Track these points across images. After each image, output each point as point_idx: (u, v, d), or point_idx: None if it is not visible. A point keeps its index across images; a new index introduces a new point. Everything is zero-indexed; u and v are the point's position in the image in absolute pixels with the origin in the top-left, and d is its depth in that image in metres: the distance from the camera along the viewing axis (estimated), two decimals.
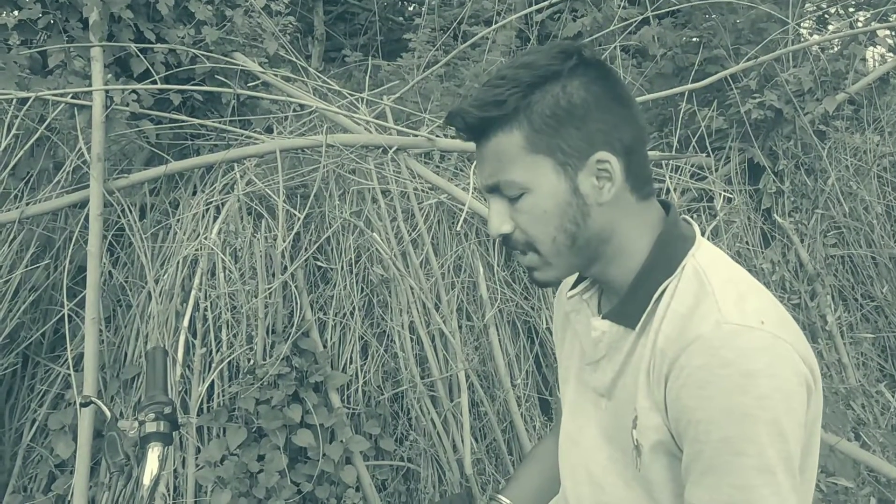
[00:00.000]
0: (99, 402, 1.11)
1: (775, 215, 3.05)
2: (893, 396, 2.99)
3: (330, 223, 2.57)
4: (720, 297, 0.79)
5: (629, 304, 0.86)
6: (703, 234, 2.89)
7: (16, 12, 2.47)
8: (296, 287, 2.45)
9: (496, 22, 3.55)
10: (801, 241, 3.03)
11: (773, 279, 2.87)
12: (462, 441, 2.41)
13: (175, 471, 2.27)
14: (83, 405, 1.12)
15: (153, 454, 1.00)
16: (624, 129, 0.84)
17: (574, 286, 0.99)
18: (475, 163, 0.89)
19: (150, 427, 1.01)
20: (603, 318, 0.90)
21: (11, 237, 2.40)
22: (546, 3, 3.39)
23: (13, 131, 2.34)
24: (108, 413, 1.07)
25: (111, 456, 1.01)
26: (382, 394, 2.48)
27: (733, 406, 0.73)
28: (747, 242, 2.95)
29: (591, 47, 0.95)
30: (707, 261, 0.85)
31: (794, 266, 3.01)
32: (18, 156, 2.42)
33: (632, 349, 0.87)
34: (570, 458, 0.99)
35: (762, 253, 2.96)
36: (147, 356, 1.13)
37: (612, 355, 0.89)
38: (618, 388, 0.89)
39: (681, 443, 0.80)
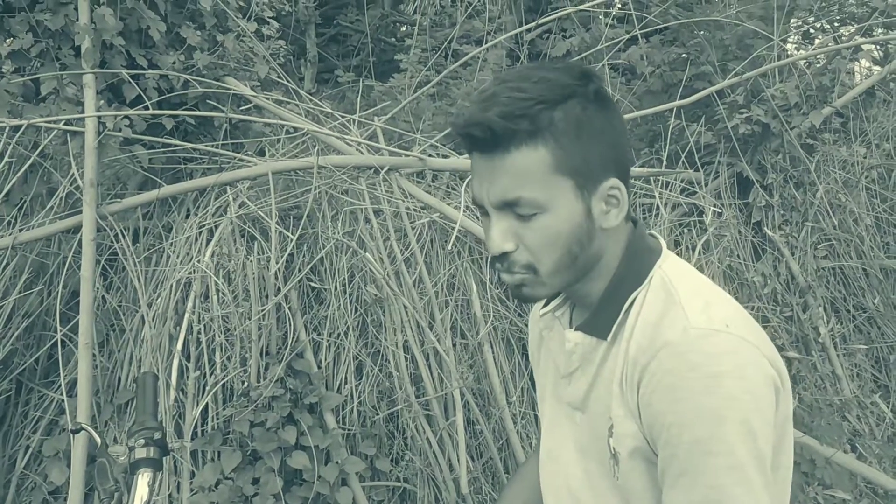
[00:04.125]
0: (89, 429, 1.12)
1: (765, 228, 3.07)
2: (888, 407, 3.00)
3: (323, 244, 2.58)
4: (687, 305, 0.82)
5: (600, 315, 0.88)
6: (693, 249, 2.87)
7: (9, 41, 2.50)
8: (289, 308, 2.46)
9: (487, 42, 3.60)
10: (792, 253, 3.05)
11: (765, 292, 2.89)
12: (458, 460, 2.41)
13: (170, 496, 2.26)
14: (73, 432, 1.12)
15: (143, 480, 1.01)
16: (626, 157, 0.88)
17: (546, 304, 1.00)
18: (480, 174, 0.85)
19: (140, 453, 1.02)
20: (576, 329, 0.92)
21: (5, 263, 2.41)
22: (534, 23, 3.43)
23: (6, 158, 2.35)
24: (98, 439, 1.07)
25: (102, 482, 1.02)
26: (377, 414, 2.47)
27: (702, 407, 0.75)
28: (738, 256, 2.96)
29: (599, 75, 0.95)
30: (673, 271, 0.88)
31: (786, 279, 3.03)
32: (12, 182, 2.43)
33: (603, 359, 0.89)
34: (550, 476, 1.00)
35: (753, 266, 2.98)
36: (137, 382, 1.14)
37: (585, 367, 0.91)
38: (591, 400, 0.91)
39: (655, 447, 0.82)
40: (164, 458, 1.06)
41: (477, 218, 2.64)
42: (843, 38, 3.54)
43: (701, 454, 0.76)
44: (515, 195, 0.82)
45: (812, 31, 3.67)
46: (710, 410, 0.75)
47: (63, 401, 2.30)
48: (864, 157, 3.39)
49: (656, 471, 0.83)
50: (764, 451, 0.77)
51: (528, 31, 3.64)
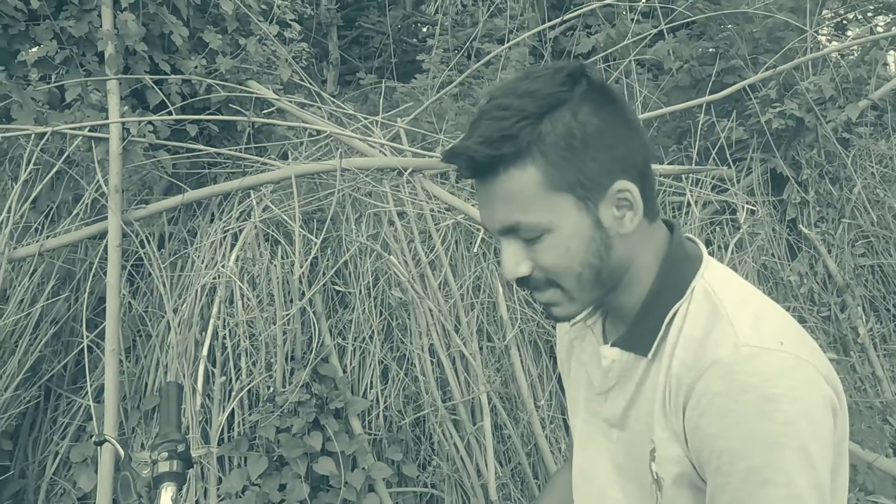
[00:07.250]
0: (113, 441, 1.10)
1: (801, 226, 2.98)
2: None
3: (347, 247, 2.55)
4: (735, 319, 0.75)
5: (639, 330, 0.83)
6: (726, 248, 2.79)
7: (34, 49, 2.52)
8: (314, 313, 2.44)
9: (509, 40, 3.55)
10: (829, 251, 2.96)
11: (802, 292, 2.80)
12: (486, 465, 2.36)
13: (197, 502, 2.25)
14: (98, 444, 1.10)
15: (166, 494, 0.98)
16: (636, 153, 0.80)
17: None
18: (480, 200, 0.81)
19: (163, 467, 0.99)
20: (612, 345, 0.86)
21: (32, 270, 2.42)
22: (558, 20, 3.38)
23: (32, 165, 2.36)
24: (121, 452, 1.05)
25: (125, 497, 0.99)
26: (404, 419, 2.44)
27: (757, 433, 0.70)
28: (773, 255, 2.88)
29: (593, 67, 0.88)
30: (717, 281, 0.81)
31: (823, 277, 2.94)
32: (38, 189, 2.44)
33: (643, 377, 0.83)
34: (584, 494, 0.95)
35: (789, 265, 2.90)
36: (160, 392, 1.12)
37: (623, 384, 0.86)
38: (630, 419, 0.85)
39: (703, 474, 0.76)
40: (188, 471, 1.04)
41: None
42: (879, 28, 3.43)
43: (756, 484, 0.70)
44: (514, 220, 0.77)
45: (846, 21, 3.56)
46: (765, 437, 0.70)
47: (91, 407, 2.30)
48: None
49: (703, 497, 0.77)
50: (823, 479, 0.71)
51: (552, 28, 3.59)
